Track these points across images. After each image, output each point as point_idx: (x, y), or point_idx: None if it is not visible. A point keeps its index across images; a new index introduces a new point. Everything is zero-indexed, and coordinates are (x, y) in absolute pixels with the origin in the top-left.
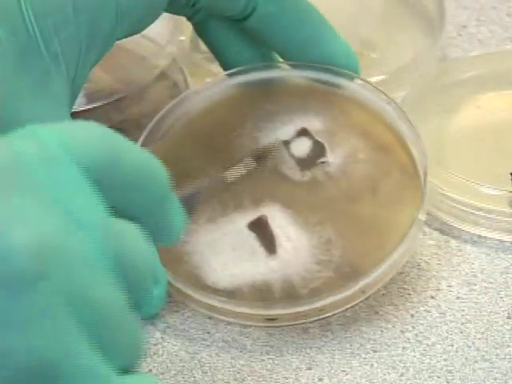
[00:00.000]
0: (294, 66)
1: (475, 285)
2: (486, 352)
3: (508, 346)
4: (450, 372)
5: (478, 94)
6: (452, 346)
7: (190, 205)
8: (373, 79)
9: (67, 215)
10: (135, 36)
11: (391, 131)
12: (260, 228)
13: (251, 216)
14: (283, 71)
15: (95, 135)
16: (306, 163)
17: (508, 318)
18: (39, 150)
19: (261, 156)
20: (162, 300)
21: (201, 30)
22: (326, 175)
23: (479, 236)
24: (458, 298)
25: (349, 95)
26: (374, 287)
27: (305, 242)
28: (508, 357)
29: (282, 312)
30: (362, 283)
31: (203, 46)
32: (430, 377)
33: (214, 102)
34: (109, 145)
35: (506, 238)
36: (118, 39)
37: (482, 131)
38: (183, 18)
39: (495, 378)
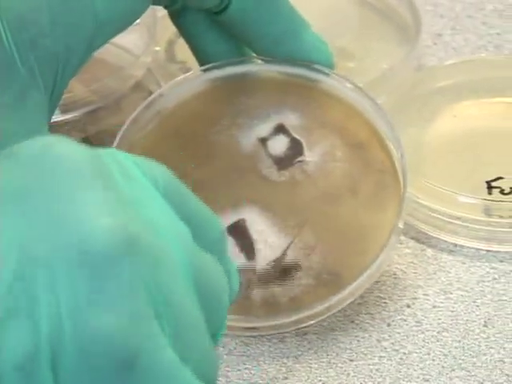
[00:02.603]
0: (269, 61)
1: (451, 293)
2: (463, 360)
3: (484, 354)
4: (426, 380)
5: (454, 103)
6: (428, 354)
7: None
8: None
9: (152, 222)
10: (111, 47)
11: (369, 127)
12: (239, 233)
13: (229, 219)
14: (259, 66)
15: (165, 169)
16: (283, 162)
17: (484, 326)
18: (119, 166)
19: (238, 155)
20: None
21: (178, 21)
22: (305, 174)
23: (455, 244)
24: (434, 306)
25: (326, 90)
26: (353, 296)
27: (284, 247)
28: (485, 365)
29: (261, 325)
30: (342, 293)
31: (178, 57)
32: None
33: (189, 97)
34: (175, 181)
35: (482, 246)
36: (95, 50)
37: (459, 140)
38: (158, 29)
39: None
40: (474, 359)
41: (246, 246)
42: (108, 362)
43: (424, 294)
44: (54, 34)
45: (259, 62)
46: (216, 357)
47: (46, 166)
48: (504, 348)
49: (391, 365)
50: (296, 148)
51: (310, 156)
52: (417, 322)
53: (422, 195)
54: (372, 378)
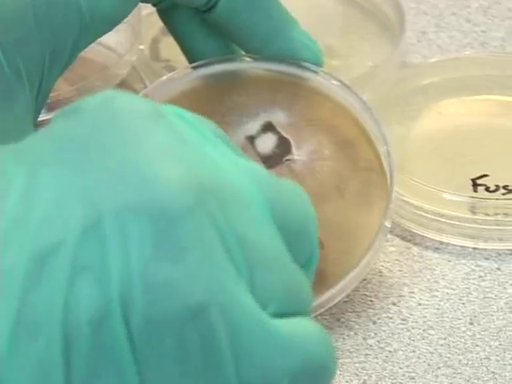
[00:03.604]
0: (258, 59)
1: (437, 291)
2: (449, 358)
3: (470, 351)
4: (412, 378)
5: (439, 101)
6: (414, 352)
7: None
8: None
9: (219, 162)
10: (95, 46)
11: (357, 125)
12: None
13: None
14: (247, 64)
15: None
16: (271, 161)
17: (470, 323)
18: (179, 117)
19: None
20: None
21: (166, 19)
22: (292, 173)
23: (441, 242)
24: (419, 304)
25: (314, 88)
26: (339, 295)
27: None
28: (470, 362)
29: None
30: (329, 292)
31: (163, 55)
32: (392, 383)
33: (176, 96)
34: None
35: (468, 243)
36: (82, 50)
37: (444, 137)
38: (143, 27)
39: None
40: (460, 357)
41: None
42: (175, 310)
43: (410, 292)
44: (39, 34)
45: (248, 59)
46: (309, 289)
47: (109, 115)
48: (490, 346)
49: (377, 363)
50: (284, 146)
51: (297, 154)
52: (402, 319)
53: (408, 193)
54: (358, 375)
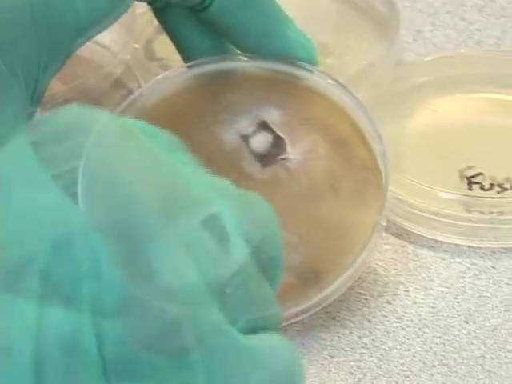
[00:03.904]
0: (253, 58)
1: (432, 289)
2: (444, 356)
3: (465, 350)
4: (407, 377)
5: (434, 98)
6: (409, 350)
7: None
8: None
9: (189, 171)
10: (90, 44)
11: (352, 124)
12: None
13: None
14: (242, 63)
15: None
16: (266, 160)
17: (465, 322)
18: (142, 130)
19: (221, 152)
20: None
21: (161, 18)
22: (287, 172)
23: (436, 240)
24: (414, 302)
25: (309, 87)
26: (335, 295)
27: None
28: (466, 361)
29: None
30: (324, 292)
31: (157, 54)
32: (387, 382)
33: (170, 94)
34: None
35: (463, 242)
36: (77, 48)
37: (438, 135)
38: (137, 26)
39: (453, 383)
40: (455, 355)
41: None
42: (148, 330)
43: (405, 291)
44: (36, 33)
45: (242, 58)
46: (276, 303)
47: (78, 134)
48: (485, 344)
49: (372, 361)
50: (279, 145)
51: (292, 153)
52: (397, 318)
53: (402, 191)
54: (353, 374)
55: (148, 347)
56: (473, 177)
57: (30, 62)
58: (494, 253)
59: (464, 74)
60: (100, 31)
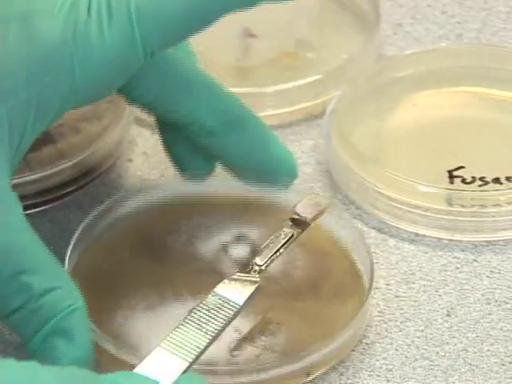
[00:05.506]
0: (233, 178)
1: (414, 283)
2: (426, 350)
3: (447, 343)
4: (389, 370)
5: (415, 92)
6: (391, 344)
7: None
8: (309, 79)
9: None
10: None
11: (331, 238)
12: None
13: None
14: (223, 182)
15: None
16: (244, 266)
17: (447, 315)
18: None
19: (200, 258)
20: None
21: (162, 130)
22: (268, 279)
23: (417, 234)
24: (396, 296)
25: (286, 205)
26: (319, 369)
27: (249, 328)
28: (448, 354)
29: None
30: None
31: None
32: (369, 376)
33: (150, 204)
34: None
35: (444, 235)
36: (68, 110)
37: (419, 129)
38: None
39: (435, 376)
40: (437, 349)
41: None
42: None
43: (386, 284)
44: (28, 88)
45: (224, 178)
46: None
47: None
48: (467, 337)
49: (354, 355)
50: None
51: (271, 264)
52: (379, 312)
53: (383, 185)
54: (335, 368)
55: None
56: (454, 170)
57: (18, 114)
58: (475, 246)
59: (444, 67)
60: (94, 101)
